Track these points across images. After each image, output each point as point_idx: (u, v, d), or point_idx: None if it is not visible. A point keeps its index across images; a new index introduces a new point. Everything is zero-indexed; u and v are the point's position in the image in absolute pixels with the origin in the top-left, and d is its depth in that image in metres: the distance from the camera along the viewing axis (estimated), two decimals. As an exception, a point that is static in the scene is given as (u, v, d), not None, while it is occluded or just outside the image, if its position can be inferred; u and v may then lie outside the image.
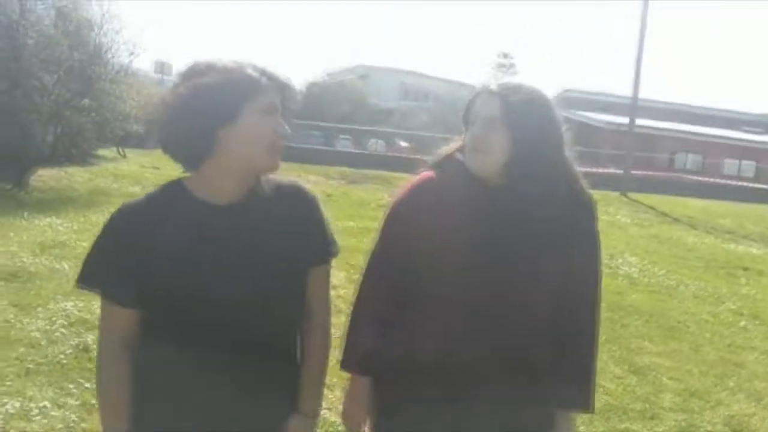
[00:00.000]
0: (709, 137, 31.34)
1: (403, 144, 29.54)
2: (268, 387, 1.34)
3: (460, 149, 1.54)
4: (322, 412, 1.75)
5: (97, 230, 1.34)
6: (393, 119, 36.47)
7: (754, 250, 10.07)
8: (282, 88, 1.35)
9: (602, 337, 1.68)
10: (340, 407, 1.65)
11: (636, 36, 18.97)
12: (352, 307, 1.60)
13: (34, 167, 11.27)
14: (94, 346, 2.24)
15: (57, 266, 5.40)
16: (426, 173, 1.57)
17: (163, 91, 1.35)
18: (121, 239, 1.30)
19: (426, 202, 1.51)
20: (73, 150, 13.23)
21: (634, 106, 19.26)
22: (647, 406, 3.70)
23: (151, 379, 1.32)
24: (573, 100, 31.00)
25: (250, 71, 1.30)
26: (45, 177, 11.65)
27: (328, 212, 1.46)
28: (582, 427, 3.21)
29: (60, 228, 7.34)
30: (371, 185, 15.48)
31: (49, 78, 11.39)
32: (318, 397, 1.47)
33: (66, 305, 4.34)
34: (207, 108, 1.25)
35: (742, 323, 5.72)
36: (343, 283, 4.99)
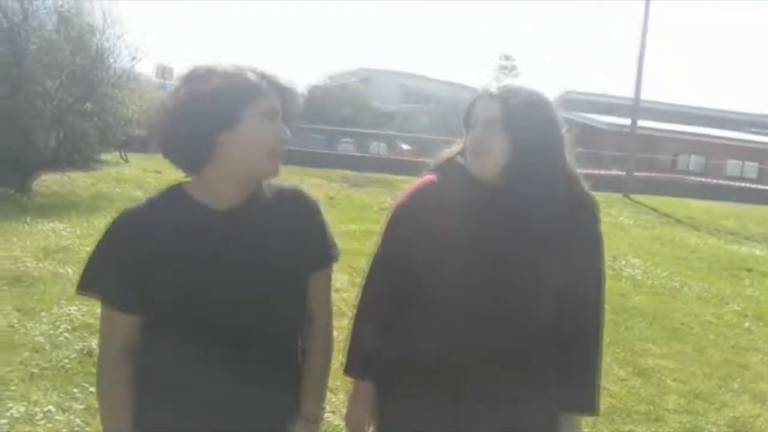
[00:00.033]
0: (711, 138, 31.29)
1: (405, 147, 29.58)
2: (269, 389, 1.34)
3: (462, 152, 1.54)
4: (326, 415, 1.75)
5: (99, 235, 1.33)
6: (395, 122, 36.51)
7: (758, 251, 10.05)
8: (282, 91, 1.34)
9: (606, 339, 1.68)
10: (344, 411, 1.65)
11: (638, 37, 18.95)
12: (355, 311, 1.60)
13: (37, 172, 11.29)
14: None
15: (60, 271, 5.41)
16: (428, 176, 1.58)
17: (165, 96, 1.35)
18: (122, 244, 1.30)
19: (428, 204, 1.51)
20: (76, 155, 13.24)
21: (636, 108, 19.22)
22: (651, 408, 3.69)
23: (153, 381, 1.32)
24: (575, 102, 31.01)
25: (250, 75, 1.29)
26: (48, 182, 11.68)
27: (330, 216, 1.46)
28: (586, 430, 3.20)
29: (63, 233, 7.36)
30: (373, 188, 15.50)
31: (52, 83, 11.42)
32: (320, 401, 1.47)
33: (70, 309, 4.35)
34: (207, 112, 1.25)
35: (746, 324, 5.71)
36: (345, 286, 5.00)
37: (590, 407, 1.53)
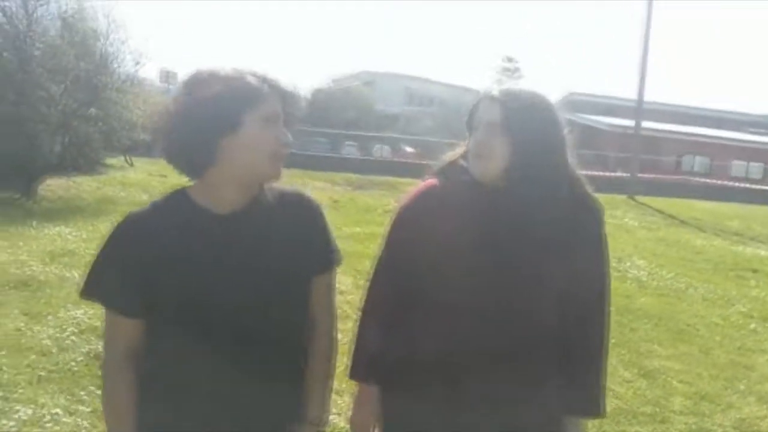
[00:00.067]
0: (716, 139, 31.23)
1: (409, 149, 29.60)
2: (271, 392, 1.35)
3: (464, 155, 1.55)
4: (331, 417, 1.75)
5: (104, 239, 1.34)
6: (398, 125, 36.56)
7: (763, 252, 10.00)
8: (283, 95, 1.35)
9: (611, 341, 1.68)
10: (349, 413, 1.65)
11: (640, 38, 18.91)
12: (359, 314, 1.60)
13: (42, 177, 11.36)
14: (104, 354, 2.26)
15: (67, 274, 5.43)
16: (431, 180, 1.58)
17: (168, 100, 1.36)
18: (125, 249, 1.31)
19: (431, 207, 1.51)
20: (81, 159, 13.30)
21: (639, 109, 19.17)
22: (657, 409, 3.68)
23: (156, 384, 1.33)
24: (578, 104, 31.01)
25: (251, 79, 1.30)
26: (53, 186, 11.74)
27: (334, 219, 1.47)
28: (592, 431, 3.20)
29: (69, 237, 7.39)
30: (377, 191, 15.50)
31: (56, 88, 11.48)
32: (323, 404, 1.48)
33: (76, 313, 4.36)
34: (209, 117, 1.26)
35: (752, 326, 5.68)
36: (350, 288, 5.00)
37: (594, 410, 1.53)
